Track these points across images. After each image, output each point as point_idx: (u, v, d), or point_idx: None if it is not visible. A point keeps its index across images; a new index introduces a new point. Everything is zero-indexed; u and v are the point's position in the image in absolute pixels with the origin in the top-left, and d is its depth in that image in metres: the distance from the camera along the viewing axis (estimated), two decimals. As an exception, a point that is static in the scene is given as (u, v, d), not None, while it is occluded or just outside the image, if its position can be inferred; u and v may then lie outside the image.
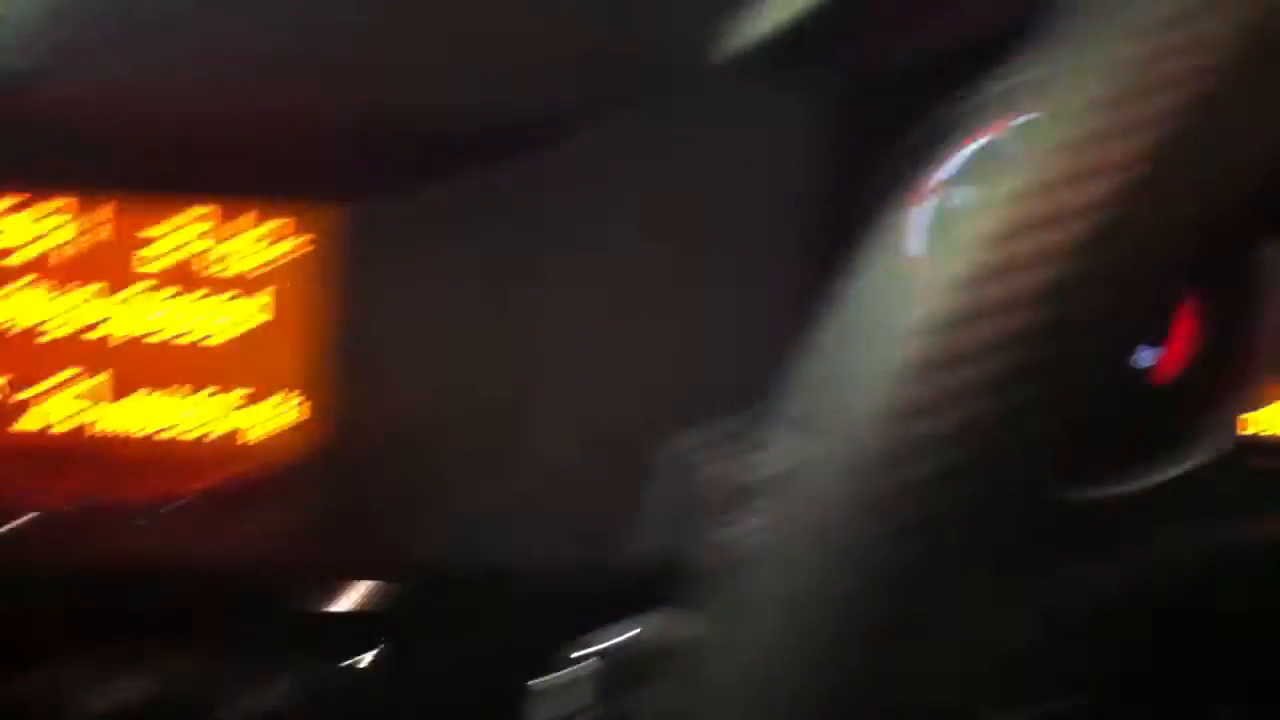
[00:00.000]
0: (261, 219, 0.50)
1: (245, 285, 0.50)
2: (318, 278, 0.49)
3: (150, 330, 0.51)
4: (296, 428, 0.51)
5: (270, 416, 0.51)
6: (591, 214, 0.47)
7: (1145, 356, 0.56)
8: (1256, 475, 0.55)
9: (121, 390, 0.51)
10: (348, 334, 0.49)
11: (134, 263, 0.50)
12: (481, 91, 0.46)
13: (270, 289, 0.50)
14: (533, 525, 0.46)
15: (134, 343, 0.51)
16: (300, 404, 0.51)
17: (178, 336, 0.51)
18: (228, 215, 0.50)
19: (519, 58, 0.46)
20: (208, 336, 0.51)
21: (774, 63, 0.42)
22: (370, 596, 0.50)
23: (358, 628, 0.49)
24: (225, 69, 0.45)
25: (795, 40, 0.41)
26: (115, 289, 0.50)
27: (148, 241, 0.50)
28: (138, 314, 0.51)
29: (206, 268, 0.50)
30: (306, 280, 0.50)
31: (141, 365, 0.51)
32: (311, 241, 0.49)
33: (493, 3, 0.46)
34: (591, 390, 0.47)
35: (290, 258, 0.50)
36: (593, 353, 0.47)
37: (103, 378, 0.51)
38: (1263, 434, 0.56)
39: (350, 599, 0.50)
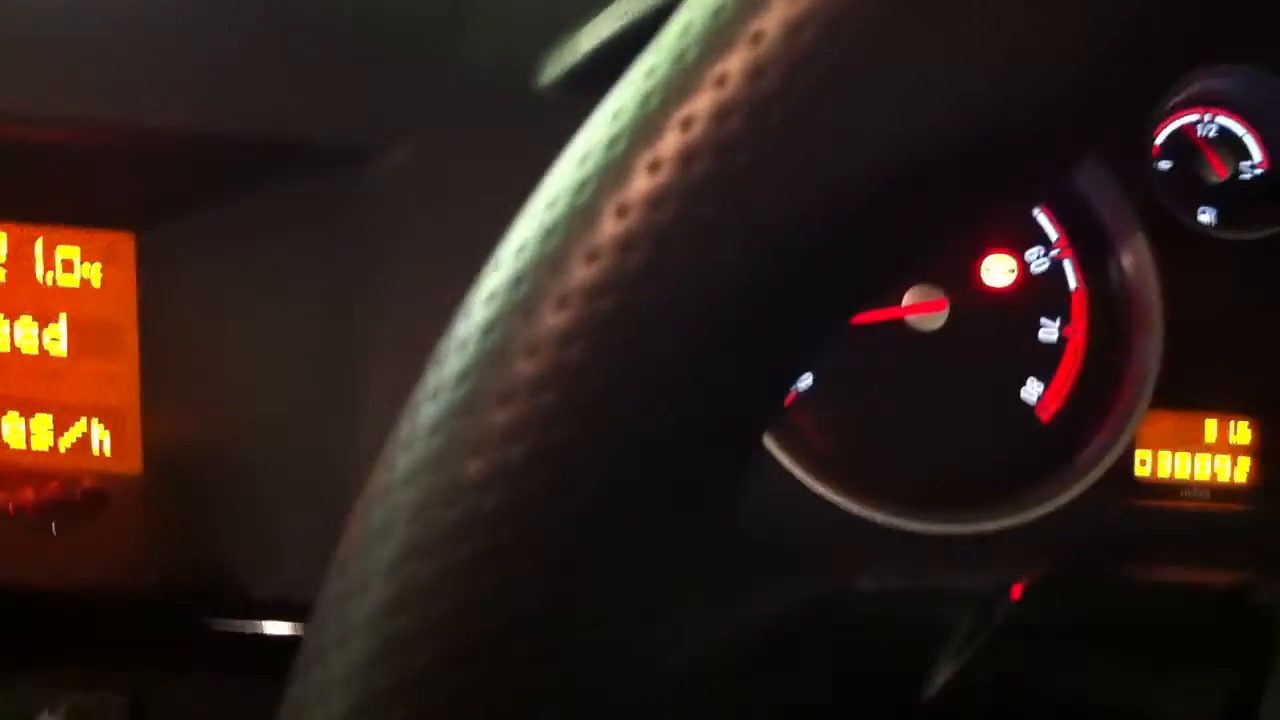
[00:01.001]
0: (51, 246, 0.47)
1: (42, 311, 0.48)
2: (112, 304, 0.47)
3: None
4: (105, 452, 0.48)
5: (78, 439, 0.49)
6: (395, 234, 0.45)
7: (1031, 392, 0.55)
8: (1140, 511, 0.54)
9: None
10: (148, 358, 0.47)
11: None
12: (272, 116, 0.44)
13: (66, 315, 0.48)
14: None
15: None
16: (107, 428, 0.48)
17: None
18: (17, 243, 0.47)
19: (316, 83, 0.44)
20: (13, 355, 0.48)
21: (592, 84, 0.41)
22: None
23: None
24: (10, 94, 0.43)
25: (612, 62, 0.40)
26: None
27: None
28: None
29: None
30: (102, 306, 0.48)
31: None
32: (103, 269, 0.48)
33: (295, 26, 0.44)
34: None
35: (83, 284, 0.48)
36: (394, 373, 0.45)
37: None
38: (1145, 471, 0.55)
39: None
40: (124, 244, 0.48)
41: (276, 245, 0.46)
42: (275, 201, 0.46)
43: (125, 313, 0.48)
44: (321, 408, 0.47)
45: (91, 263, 0.48)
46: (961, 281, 0.54)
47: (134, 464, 0.48)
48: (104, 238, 0.48)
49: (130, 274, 0.48)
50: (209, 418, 0.48)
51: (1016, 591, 0.40)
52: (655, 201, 0.19)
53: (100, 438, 0.49)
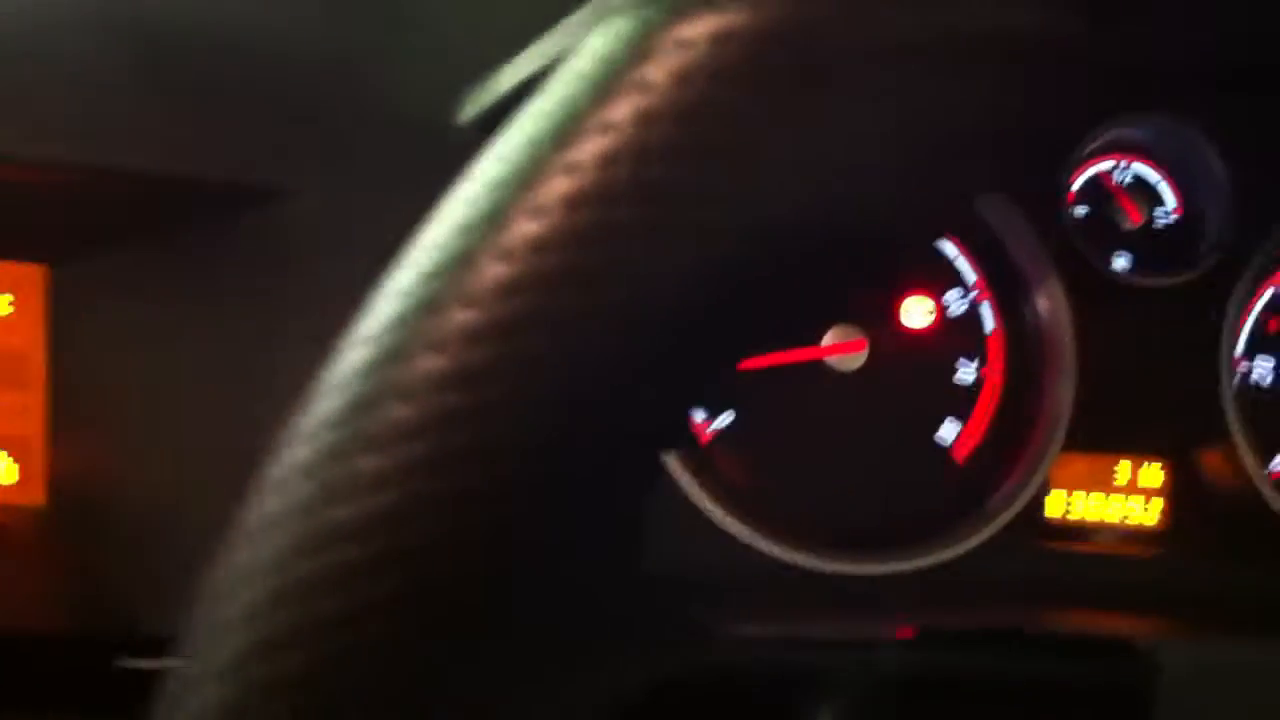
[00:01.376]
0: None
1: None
2: (22, 335, 0.47)
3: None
4: (9, 488, 0.47)
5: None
6: (310, 273, 0.45)
7: (947, 432, 0.55)
8: (1051, 554, 0.54)
9: None
10: (57, 390, 0.46)
11: None
12: (192, 155, 0.44)
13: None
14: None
15: None
16: (14, 459, 0.48)
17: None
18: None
19: (225, 122, 0.44)
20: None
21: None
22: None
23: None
24: None
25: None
26: None
27: None
28: None
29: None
30: (11, 337, 0.47)
31: None
32: (14, 300, 0.47)
33: (208, 66, 0.44)
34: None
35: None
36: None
37: None
38: (1056, 514, 0.55)
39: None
40: (36, 276, 0.48)
41: (190, 283, 0.46)
42: (189, 239, 0.46)
43: (34, 344, 0.48)
44: (232, 445, 0.46)
45: (1, 294, 0.48)
46: (881, 322, 0.55)
47: (38, 496, 0.48)
48: (15, 270, 0.48)
49: (41, 306, 0.48)
50: (118, 452, 0.47)
51: (906, 632, 0.40)
52: (538, 248, 0.19)
53: (5, 468, 0.48)
